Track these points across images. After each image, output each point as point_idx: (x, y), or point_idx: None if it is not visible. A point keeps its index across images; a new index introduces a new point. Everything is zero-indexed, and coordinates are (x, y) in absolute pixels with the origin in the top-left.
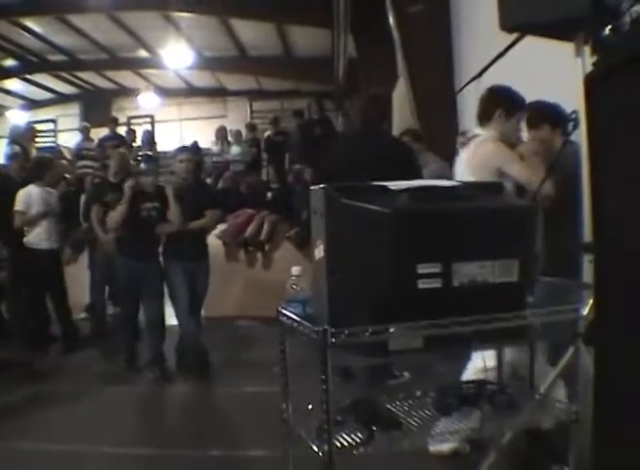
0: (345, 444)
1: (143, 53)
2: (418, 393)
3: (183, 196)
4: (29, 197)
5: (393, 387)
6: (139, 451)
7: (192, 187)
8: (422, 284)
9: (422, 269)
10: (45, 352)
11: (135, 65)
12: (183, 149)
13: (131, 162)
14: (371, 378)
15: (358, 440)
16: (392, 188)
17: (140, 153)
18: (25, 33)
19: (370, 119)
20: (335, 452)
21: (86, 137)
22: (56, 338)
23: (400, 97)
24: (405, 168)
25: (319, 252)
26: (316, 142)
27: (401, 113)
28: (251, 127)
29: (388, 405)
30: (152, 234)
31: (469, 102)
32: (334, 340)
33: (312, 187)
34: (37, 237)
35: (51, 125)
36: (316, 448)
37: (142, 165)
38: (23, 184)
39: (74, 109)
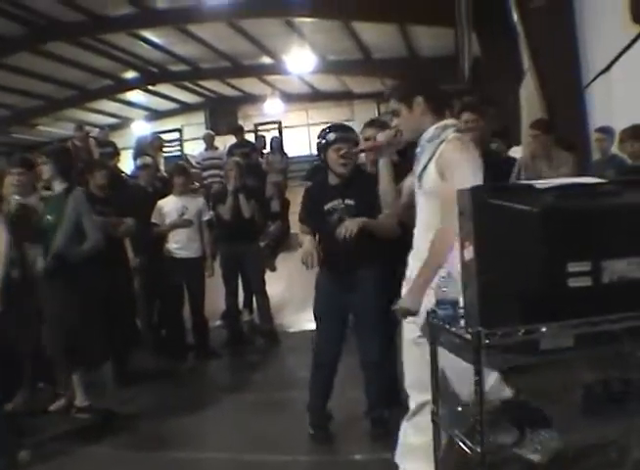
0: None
1: (266, 59)
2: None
3: None
4: (164, 208)
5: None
6: (282, 459)
7: None
8: (572, 282)
9: (572, 268)
10: (181, 362)
11: (259, 71)
12: None
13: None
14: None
15: (510, 440)
16: (538, 187)
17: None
18: (145, 45)
19: None
20: (487, 452)
21: (210, 146)
22: (191, 346)
23: (528, 94)
24: None
25: (468, 253)
26: None
27: (529, 110)
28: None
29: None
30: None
31: (598, 97)
32: (487, 341)
33: (458, 188)
34: (176, 245)
35: (176, 135)
36: (467, 449)
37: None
38: (155, 194)
39: (199, 118)
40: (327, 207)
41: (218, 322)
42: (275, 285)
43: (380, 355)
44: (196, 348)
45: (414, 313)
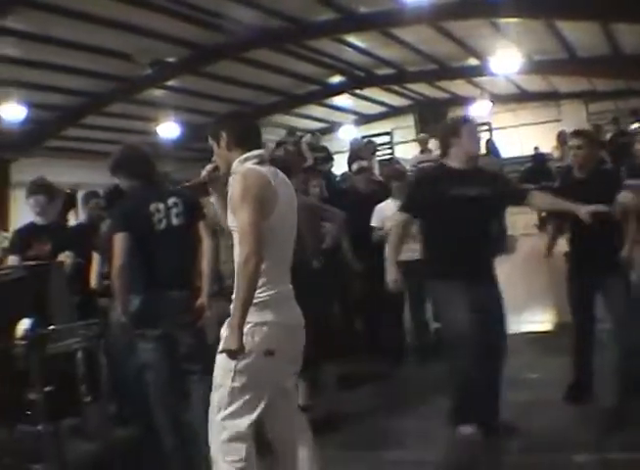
0: None
1: (472, 61)
2: None
3: None
4: (384, 211)
5: None
6: None
7: None
8: None
9: None
10: (400, 364)
11: (465, 73)
12: None
13: None
14: None
15: None
16: None
17: None
18: (350, 49)
19: None
20: None
21: (424, 149)
22: (409, 349)
23: None
24: None
25: None
26: None
27: None
28: (596, 129)
29: None
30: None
31: None
32: None
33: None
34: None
35: (386, 138)
36: None
37: None
38: (373, 198)
39: (409, 121)
40: None
41: (437, 325)
42: None
43: None
44: (415, 350)
45: (239, 354)
